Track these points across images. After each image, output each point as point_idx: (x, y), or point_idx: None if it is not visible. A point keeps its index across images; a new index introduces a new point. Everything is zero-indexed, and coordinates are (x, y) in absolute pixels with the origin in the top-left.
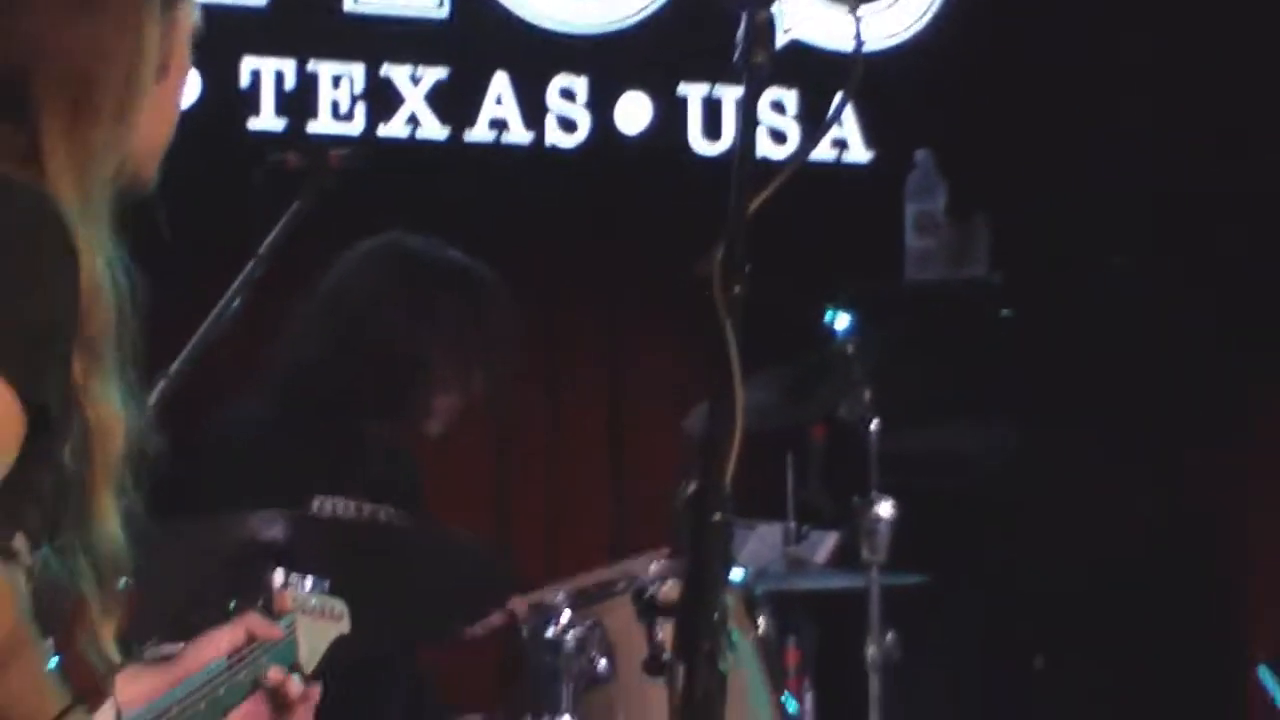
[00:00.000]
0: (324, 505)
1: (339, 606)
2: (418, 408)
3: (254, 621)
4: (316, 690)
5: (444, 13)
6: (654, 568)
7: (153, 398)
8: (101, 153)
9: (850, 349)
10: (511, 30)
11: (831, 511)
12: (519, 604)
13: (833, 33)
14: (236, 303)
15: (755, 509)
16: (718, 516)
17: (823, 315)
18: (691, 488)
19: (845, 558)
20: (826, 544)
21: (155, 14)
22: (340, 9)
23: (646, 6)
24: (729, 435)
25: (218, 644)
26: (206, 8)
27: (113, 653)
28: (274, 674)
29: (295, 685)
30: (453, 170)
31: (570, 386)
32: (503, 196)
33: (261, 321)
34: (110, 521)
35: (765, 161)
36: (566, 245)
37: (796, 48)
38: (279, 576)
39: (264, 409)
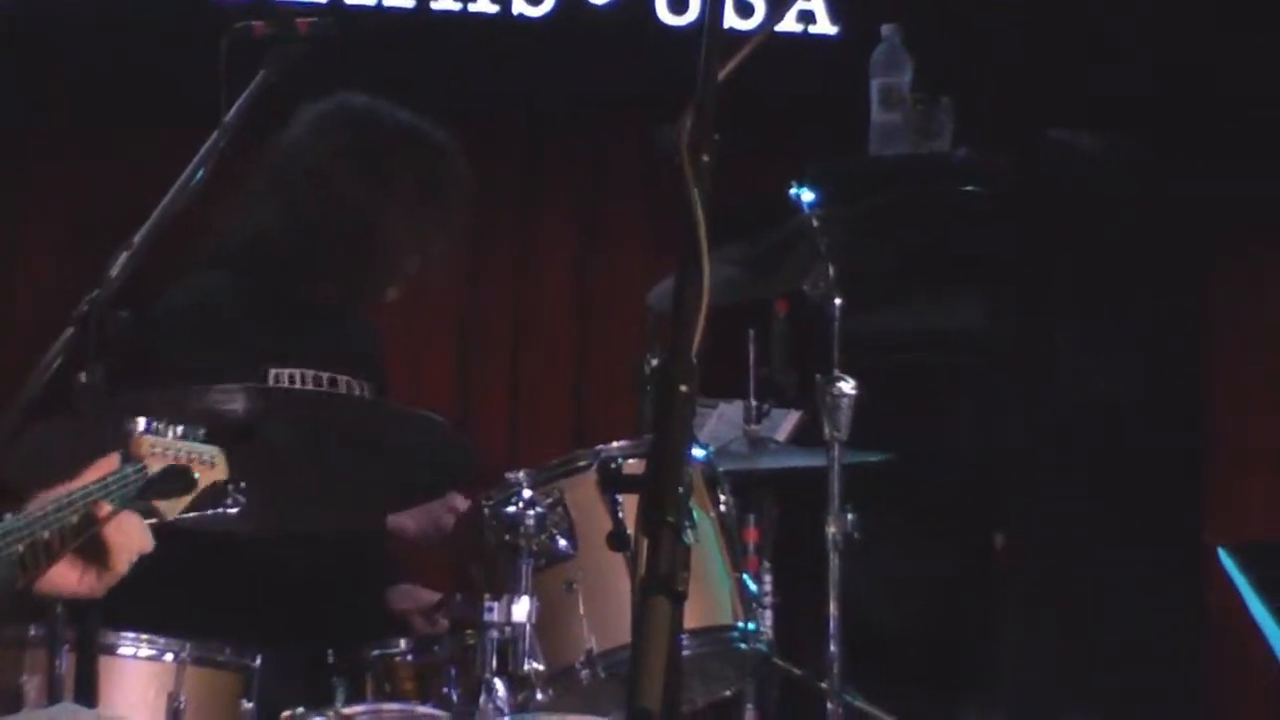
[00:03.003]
0: (280, 375)
1: (209, 453)
2: (374, 271)
3: (106, 466)
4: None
5: None
6: (618, 443)
7: (116, 269)
8: None
9: (815, 224)
10: None
11: (794, 389)
12: (458, 501)
13: None
14: (201, 173)
15: (716, 387)
16: (684, 388)
17: (787, 189)
18: (655, 360)
19: (807, 436)
20: (788, 422)
21: None
22: None
23: None
24: (696, 307)
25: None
26: None
27: None
28: (102, 509)
29: (129, 522)
30: (419, 39)
31: (537, 259)
32: (469, 66)
33: (226, 191)
34: None
35: (732, 32)
36: (533, 116)
37: None
38: (140, 423)
39: (218, 278)
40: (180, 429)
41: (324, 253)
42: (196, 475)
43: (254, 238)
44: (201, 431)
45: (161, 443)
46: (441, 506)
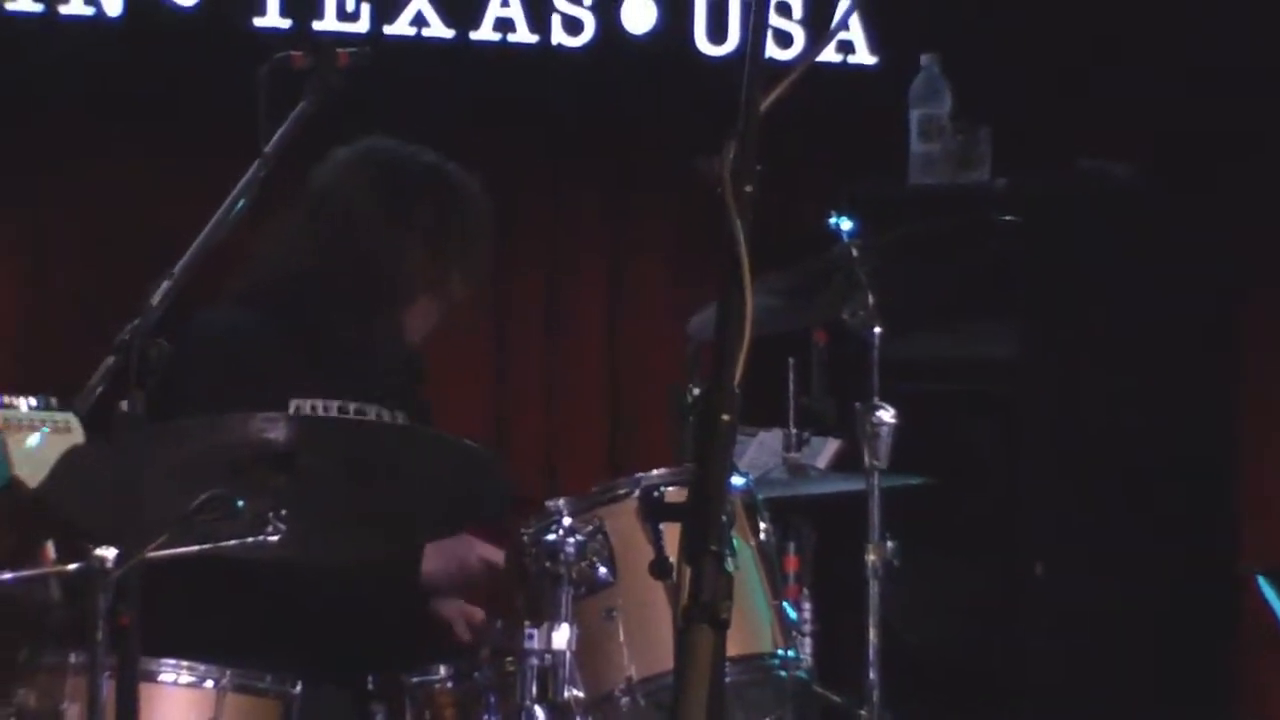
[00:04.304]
0: (302, 406)
1: (62, 418)
2: (397, 313)
3: None
4: None
5: None
6: (658, 471)
7: (157, 298)
8: None
9: (854, 253)
10: None
11: (833, 417)
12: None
13: None
14: (241, 203)
15: (756, 415)
16: (726, 417)
17: (826, 219)
18: (696, 390)
19: (847, 464)
20: (828, 450)
21: None
22: None
23: None
24: (739, 337)
25: None
26: None
27: None
28: None
29: None
30: (459, 69)
31: (572, 289)
32: (508, 95)
33: (267, 222)
34: None
35: (771, 63)
36: (571, 147)
37: None
38: None
39: (244, 312)
40: (33, 400)
41: (345, 289)
42: (63, 444)
43: (282, 274)
44: (54, 400)
45: (12, 414)
46: (462, 545)
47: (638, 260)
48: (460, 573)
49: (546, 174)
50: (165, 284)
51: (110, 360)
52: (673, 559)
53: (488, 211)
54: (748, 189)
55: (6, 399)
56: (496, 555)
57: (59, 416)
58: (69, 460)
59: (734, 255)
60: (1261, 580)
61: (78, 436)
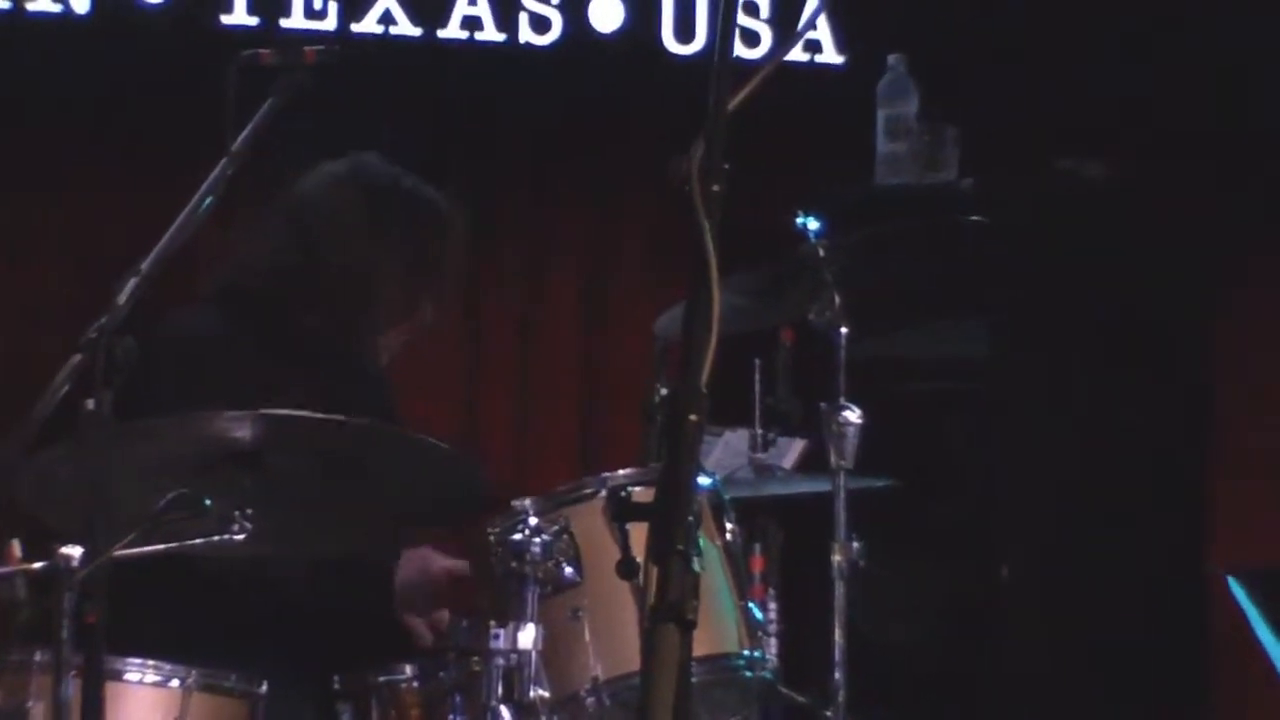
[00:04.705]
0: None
1: None
2: (365, 332)
3: None
4: None
5: None
6: (624, 471)
7: (124, 296)
8: None
9: (820, 253)
10: None
11: (799, 417)
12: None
13: None
14: (209, 201)
15: (722, 415)
16: (693, 417)
17: (793, 218)
18: (663, 390)
19: (812, 464)
20: (794, 450)
21: None
22: None
23: None
24: (705, 336)
25: None
26: None
27: None
28: None
29: None
30: (427, 67)
31: (545, 288)
32: (476, 94)
33: (233, 220)
34: None
35: (739, 62)
36: (540, 145)
37: None
38: None
39: (214, 312)
40: None
41: (317, 297)
42: None
43: (258, 277)
44: None
45: None
46: (422, 556)
47: (611, 259)
48: (424, 582)
49: (518, 173)
50: (132, 281)
51: (76, 359)
52: (639, 559)
53: (464, 241)
54: (715, 188)
55: None
56: (459, 566)
57: None
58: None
59: (701, 254)
60: (1233, 582)
61: None
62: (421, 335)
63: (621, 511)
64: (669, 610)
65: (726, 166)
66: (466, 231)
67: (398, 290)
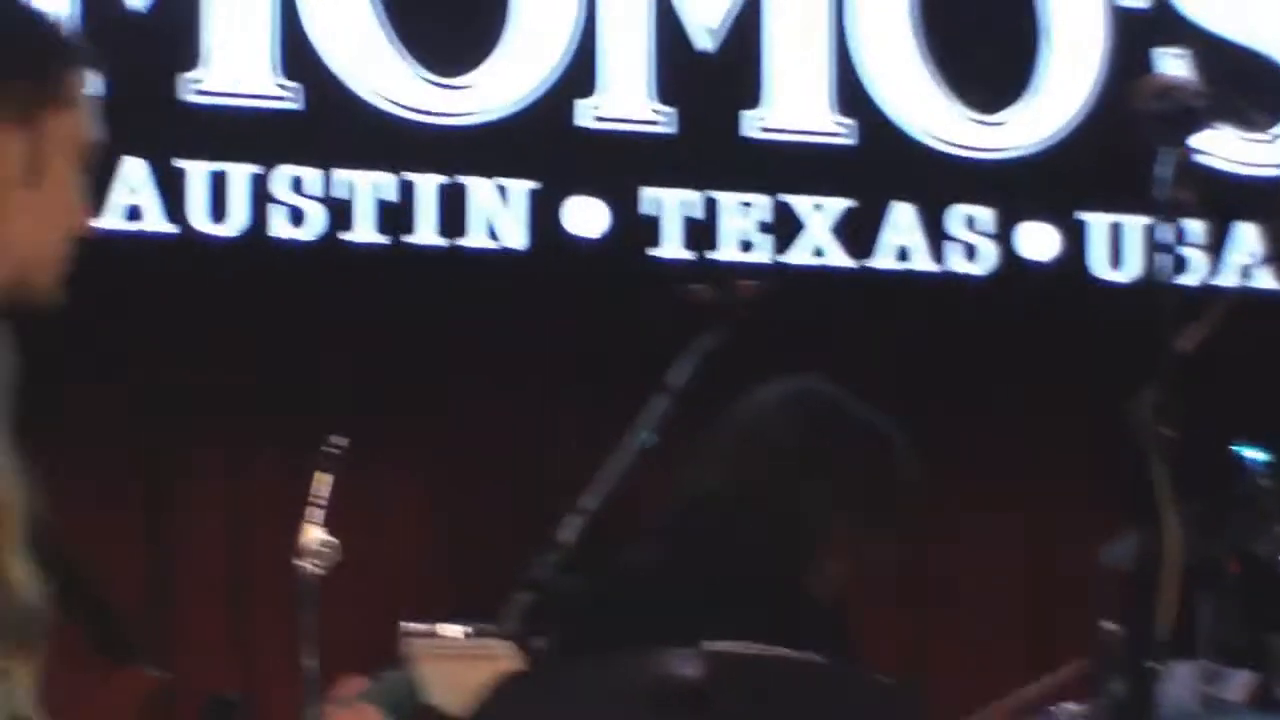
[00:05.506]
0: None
1: (492, 645)
2: (806, 569)
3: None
4: None
5: (850, 139)
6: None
7: (566, 533)
8: None
9: (1263, 484)
10: (913, 157)
11: (1247, 649)
12: None
13: (1231, 157)
14: (646, 435)
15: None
16: (1152, 664)
17: (1232, 448)
18: (1118, 628)
19: (1263, 697)
20: (1243, 682)
21: (9, 122)
22: (738, 135)
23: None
24: (1158, 576)
25: None
26: (611, 135)
27: (29, 709)
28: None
29: None
30: (857, 298)
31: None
32: (907, 324)
33: (668, 455)
34: (19, 584)
35: (1175, 289)
36: (971, 378)
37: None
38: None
39: (658, 550)
40: (469, 628)
41: (764, 542)
42: (488, 672)
43: (698, 514)
44: (486, 627)
45: (430, 644)
46: None
47: (1051, 480)
48: None
49: (952, 404)
50: (574, 519)
51: (524, 596)
52: None
53: (917, 476)
54: (1167, 432)
55: (439, 626)
56: None
57: (486, 644)
58: (496, 690)
59: (1153, 498)
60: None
61: (506, 665)
62: (878, 569)
63: None
64: None
65: (1182, 412)
66: (915, 461)
67: (845, 528)
